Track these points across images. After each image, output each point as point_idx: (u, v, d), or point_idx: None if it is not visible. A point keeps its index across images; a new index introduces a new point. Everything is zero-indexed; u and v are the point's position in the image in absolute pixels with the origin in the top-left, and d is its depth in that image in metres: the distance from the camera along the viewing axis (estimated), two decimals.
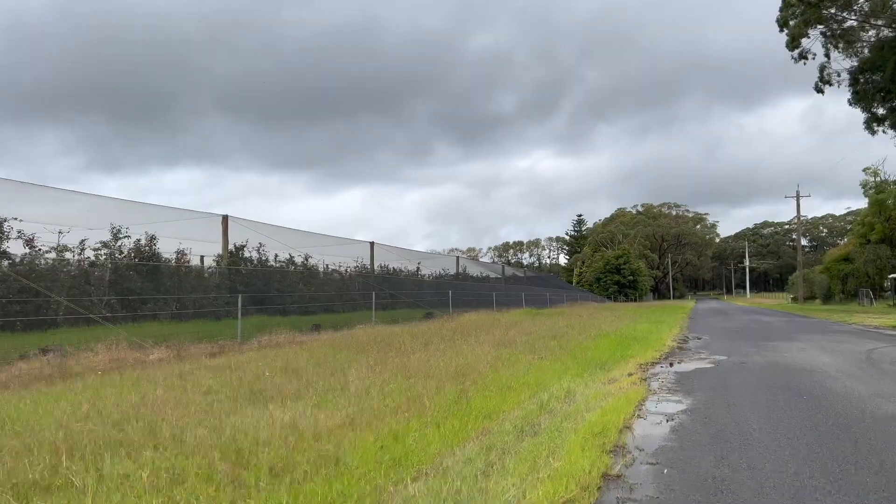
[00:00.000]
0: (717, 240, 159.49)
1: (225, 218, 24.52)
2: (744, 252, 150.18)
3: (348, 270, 36.03)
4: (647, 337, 16.93)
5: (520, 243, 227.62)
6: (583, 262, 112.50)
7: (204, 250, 25.18)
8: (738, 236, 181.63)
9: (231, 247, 25.39)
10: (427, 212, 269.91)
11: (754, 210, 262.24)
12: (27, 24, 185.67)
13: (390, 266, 40.28)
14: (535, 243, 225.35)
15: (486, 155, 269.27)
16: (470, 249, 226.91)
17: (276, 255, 28.75)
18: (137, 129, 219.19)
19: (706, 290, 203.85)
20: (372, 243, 36.73)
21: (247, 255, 27.49)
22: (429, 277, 46.23)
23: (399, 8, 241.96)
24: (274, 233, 29.12)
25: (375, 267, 39.01)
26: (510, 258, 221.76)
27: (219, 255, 24.55)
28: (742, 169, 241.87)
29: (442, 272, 47.76)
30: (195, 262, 25.19)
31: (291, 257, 29.98)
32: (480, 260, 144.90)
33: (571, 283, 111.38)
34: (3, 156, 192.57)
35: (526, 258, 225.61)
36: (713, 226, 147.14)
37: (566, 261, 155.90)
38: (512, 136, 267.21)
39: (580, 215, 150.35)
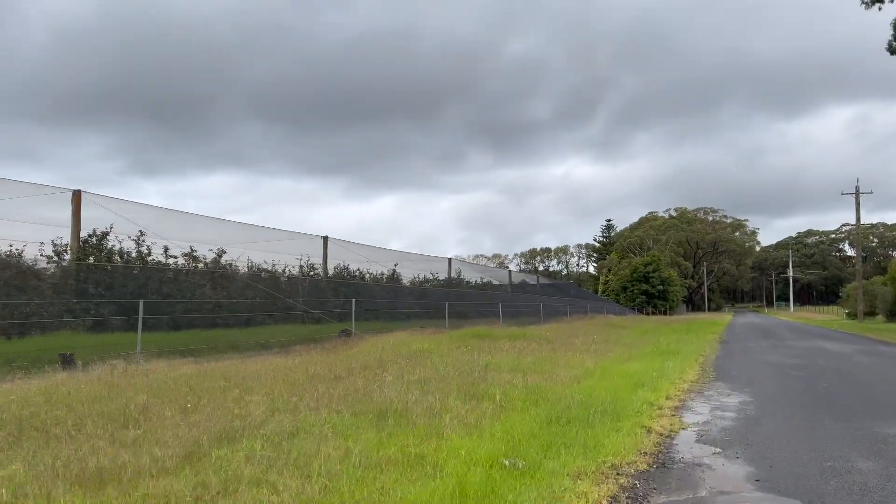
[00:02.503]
0: (758, 248, 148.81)
1: (77, 193, 17.47)
2: (786, 262, 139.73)
3: (287, 271, 28.73)
4: (619, 404, 8.04)
5: (547, 250, 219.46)
6: (609, 270, 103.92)
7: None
8: (780, 245, 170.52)
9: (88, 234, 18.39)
10: (460, 219, 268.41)
11: (796, 220, 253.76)
12: (70, 29, 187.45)
13: (359, 268, 32.98)
14: (564, 250, 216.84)
15: (520, 162, 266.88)
16: (496, 255, 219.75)
17: (167, 249, 21.52)
18: (175, 133, 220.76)
19: (745, 301, 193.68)
20: (325, 238, 29.45)
21: (117, 246, 20.08)
22: (416, 283, 38.84)
23: (436, 14, 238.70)
24: (161, 217, 22.07)
25: (333, 269, 31.76)
26: (537, 266, 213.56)
27: (63, 245, 17.31)
28: (783, 178, 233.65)
29: (431, 276, 40.22)
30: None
31: (193, 251, 22.80)
32: (485, 265, 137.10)
33: (598, 291, 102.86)
34: (45, 159, 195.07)
35: (554, 266, 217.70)
36: (753, 233, 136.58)
37: (594, 269, 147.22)
38: (546, 143, 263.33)
39: (609, 220, 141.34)
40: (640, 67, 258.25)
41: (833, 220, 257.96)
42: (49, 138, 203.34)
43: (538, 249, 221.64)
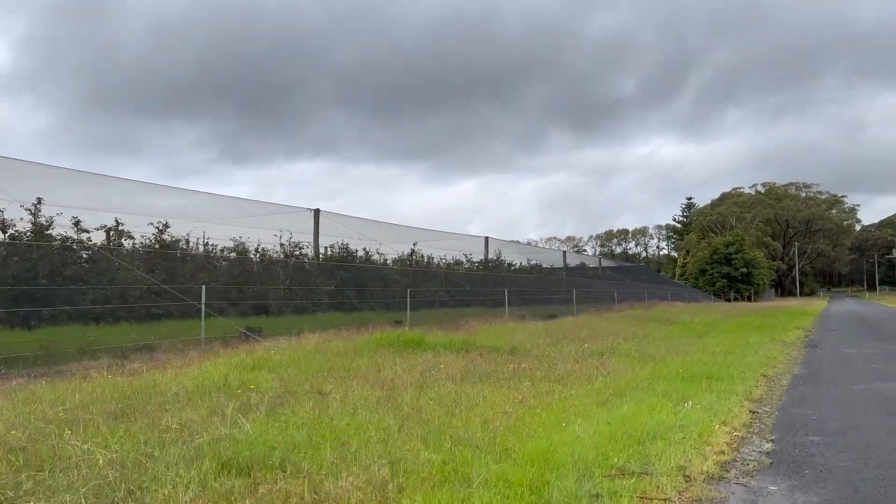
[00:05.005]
0: (858, 227, 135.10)
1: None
2: (890, 242, 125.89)
3: (262, 251, 24.14)
4: None
5: (625, 231, 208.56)
6: (687, 252, 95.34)
7: None
8: (884, 224, 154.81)
9: None
10: (541, 201, 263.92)
11: None
12: (166, 22, 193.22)
13: (362, 248, 28.16)
14: (643, 232, 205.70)
15: (603, 142, 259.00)
16: (569, 238, 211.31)
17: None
18: (264, 121, 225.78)
19: (842, 285, 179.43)
20: (317, 211, 24.81)
21: None
22: (443, 264, 33.59)
23: None
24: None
25: (333, 249, 27.10)
26: (613, 248, 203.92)
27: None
28: (889, 152, 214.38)
29: (464, 257, 34.93)
30: None
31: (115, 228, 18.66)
32: (538, 245, 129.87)
33: (675, 275, 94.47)
34: (148, 150, 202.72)
35: (632, 248, 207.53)
36: (852, 210, 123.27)
37: (675, 251, 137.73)
38: (631, 121, 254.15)
39: (690, 198, 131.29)
40: (731, 39, 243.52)
41: None
42: (146, 129, 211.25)
43: (615, 231, 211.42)
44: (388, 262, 29.01)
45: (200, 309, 14.24)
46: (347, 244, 26.43)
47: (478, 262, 35.17)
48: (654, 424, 5.65)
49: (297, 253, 24.15)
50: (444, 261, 32.93)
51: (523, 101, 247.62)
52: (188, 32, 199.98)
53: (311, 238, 24.08)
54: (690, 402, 6.88)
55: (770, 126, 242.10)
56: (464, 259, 34.32)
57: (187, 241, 20.89)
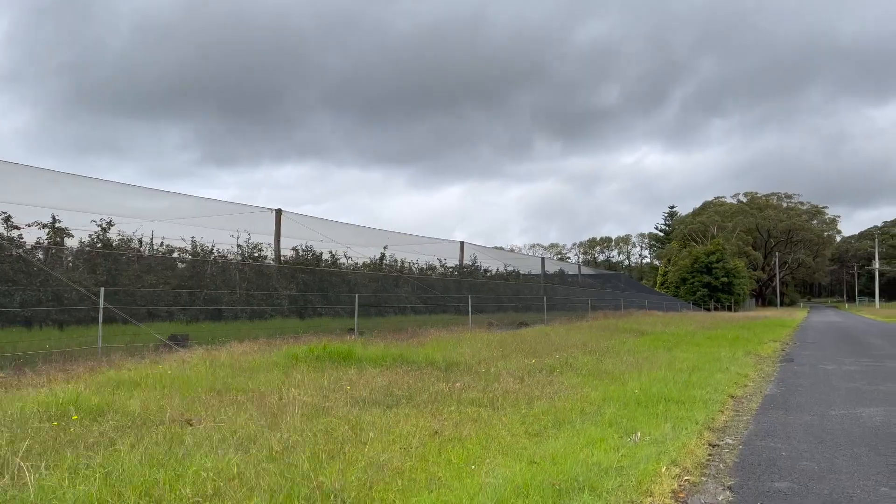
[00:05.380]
0: (838, 238, 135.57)
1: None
2: (870, 253, 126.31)
3: (217, 252, 23.25)
4: None
5: (608, 239, 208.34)
6: (668, 260, 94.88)
7: None
8: (864, 235, 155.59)
9: None
10: (526, 208, 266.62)
11: (882, 211, 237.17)
12: (154, 23, 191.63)
13: (328, 252, 27.23)
14: (625, 240, 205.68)
15: (589, 150, 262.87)
16: (553, 245, 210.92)
17: None
18: (250, 124, 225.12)
19: (822, 296, 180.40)
20: (278, 211, 23.87)
21: None
22: (415, 269, 32.77)
23: (506, 0, 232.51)
24: None
25: (297, 252, 26.13)
26: (596, 256, 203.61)
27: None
28: (870, 166, 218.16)
29: (438, 262, 33.99)
30: None
31: None
32: (519, 252, 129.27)
33: (656, 284, 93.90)
34: (131, 150, 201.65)
35: (615, 256, 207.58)
36: (833, 221, 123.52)
37: (656, 259, 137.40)
38: (616, 130, 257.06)
39: (672, 207, 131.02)
40: (717, 51, 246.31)
41: None
42: (131, 131, 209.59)
43: (598, 239, 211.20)
44: (360, 266, 27.85)
45: (117, 313, 13.01)
46: (311, 246, 25.28)
47: (452, 268, 34.16)
48: (587, 466, 4.60)
49: (255, 255, 22.99)
50: (416, 266, 31.86)
51: (510, 108, 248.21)
52: (175, 34, 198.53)
53: (272, 240, 22.94)
54: (639, 434, 5.83)
55: (754, 137, 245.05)
56: (437, 264, 33.30)
57: (140, 241, 19.70)
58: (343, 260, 27.09)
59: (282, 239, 23.25)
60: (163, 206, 20.32)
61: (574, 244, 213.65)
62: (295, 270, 24.24)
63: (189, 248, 21.61)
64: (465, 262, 35.63)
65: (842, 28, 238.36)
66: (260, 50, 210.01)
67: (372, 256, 28.97)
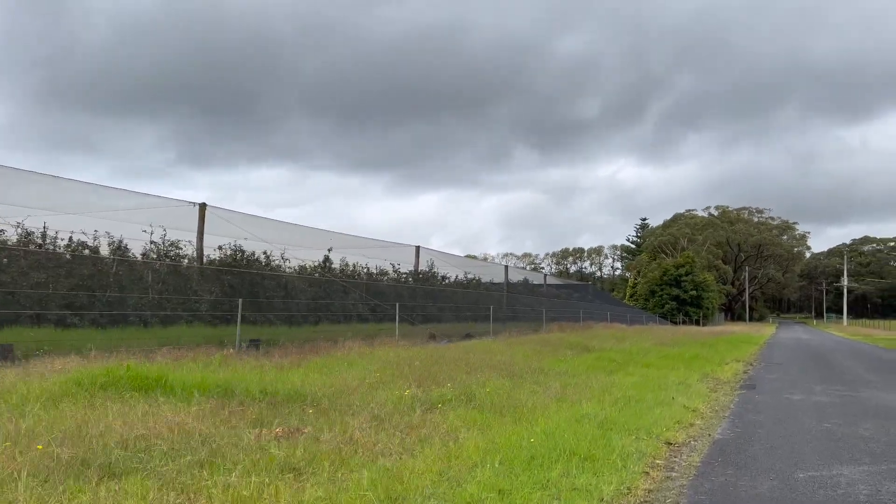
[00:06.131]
0: (808, 254, 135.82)
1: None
2: (838, 271, 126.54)
3: (124, 248, 21.03)
4: None
5: (580, 250, 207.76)
6: (638, 272, 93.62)
7: None
8: (833, 252, 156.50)
9: None
10: (503, 217, 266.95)
11: (851, 229, 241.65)
12: (129, 21, 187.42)
13: (263, 253, 24.97)
14: (598, 251, 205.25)
15: (566, 161, 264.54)
16: (526, 255, 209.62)
17: None
18: (227, 125, 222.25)
19: (791, 312, 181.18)
20: (202, 205, 21.83)
21: None
22: (364, 274, 30.43)
23: (486, 9, 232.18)
24: None
25: (224, 252, 23.93)
26: (568, 266, 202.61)
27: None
28: (839, 185, 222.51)
29: (391, 268, 31.80)
30: None
31: None
32: (483, 259, 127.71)
33: (626, 296, 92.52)
34: (101, 149, 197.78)
35: (587, 267, 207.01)
36: (803, 237, 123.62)
37: (627, 270, 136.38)
38: (593, 143, 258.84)
39: (644, 219, 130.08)
40: (694, 68, 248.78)
41: (891, 229, 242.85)
42: (105, 128, 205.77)
43: (570, 250, 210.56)
44: (297, 269, 25.51)
45: None
46: (241, 246, 22.86)
47: (406, 274, 32.05)
48: None
49: (172, 254, 20.62)
50: (366, 270, 29.64)
51: (489, 118, 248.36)
52: (150, 34, 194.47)
53: (194, 237, 20.55)
54: None
55: (727, 154, 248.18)
56: (390, 269, 31.15)
57: (29, 234, 17.28)
58: (279, 262, 24.72)
59: (206, 237, 20.87)
60: (52, 193, 17.84)
61: (547, 254, 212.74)
62: (217, 271, 21.86)
63: (91, 242, 19.14)
64: (420, 267, 33.51)
65: (815, 50, 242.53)
66: (237, 51, 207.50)
67: (317, 260, 26.71)
